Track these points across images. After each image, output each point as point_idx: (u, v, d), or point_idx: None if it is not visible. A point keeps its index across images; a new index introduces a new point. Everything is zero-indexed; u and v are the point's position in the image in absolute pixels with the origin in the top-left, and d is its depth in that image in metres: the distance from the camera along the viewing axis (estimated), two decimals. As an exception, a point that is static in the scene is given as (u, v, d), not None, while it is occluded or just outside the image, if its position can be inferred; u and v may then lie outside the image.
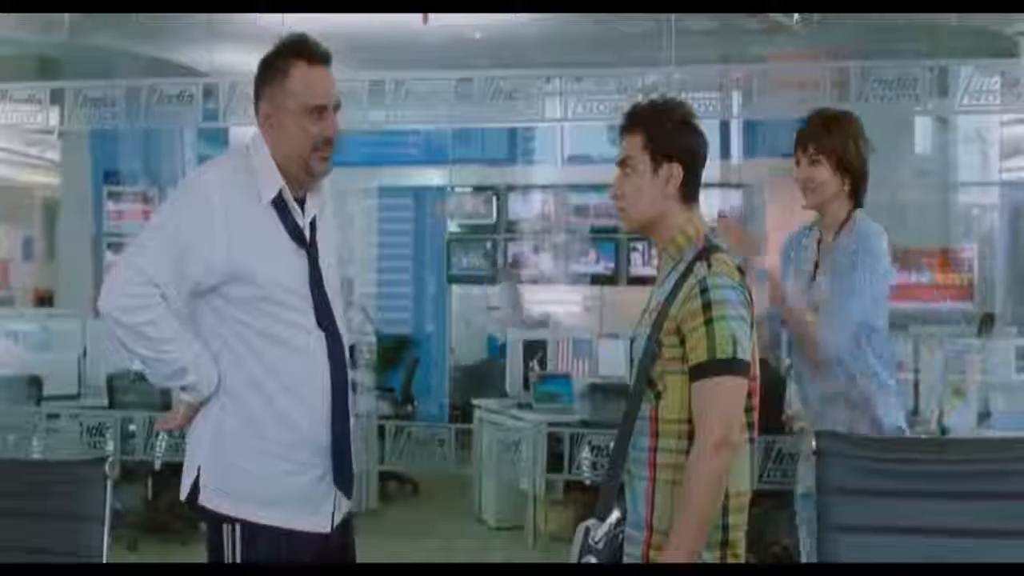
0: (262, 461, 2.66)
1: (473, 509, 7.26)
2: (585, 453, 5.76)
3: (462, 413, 7.79)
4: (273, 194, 2.68)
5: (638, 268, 10.03)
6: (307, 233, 2.75)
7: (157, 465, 6.15)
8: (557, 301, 10.27)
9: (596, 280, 10.13)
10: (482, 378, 8.02)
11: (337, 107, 2.73)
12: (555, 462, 6.01)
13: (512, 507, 6.81)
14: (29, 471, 2.82)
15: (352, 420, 2.77)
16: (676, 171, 2.65)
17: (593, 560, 2.49)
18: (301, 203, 2.75)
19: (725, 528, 2.54)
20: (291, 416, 2.67)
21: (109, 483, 2.45)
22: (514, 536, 6.68)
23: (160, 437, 5.99)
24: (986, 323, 7.44)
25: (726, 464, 2.47)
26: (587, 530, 2.52)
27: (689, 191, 2.68)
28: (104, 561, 2.40)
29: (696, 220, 2.69)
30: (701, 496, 2.45)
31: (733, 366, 2.49)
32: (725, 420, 2.47)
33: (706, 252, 2.59)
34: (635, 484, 2.61)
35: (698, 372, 2.49)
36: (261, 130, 2.75)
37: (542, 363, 7.10)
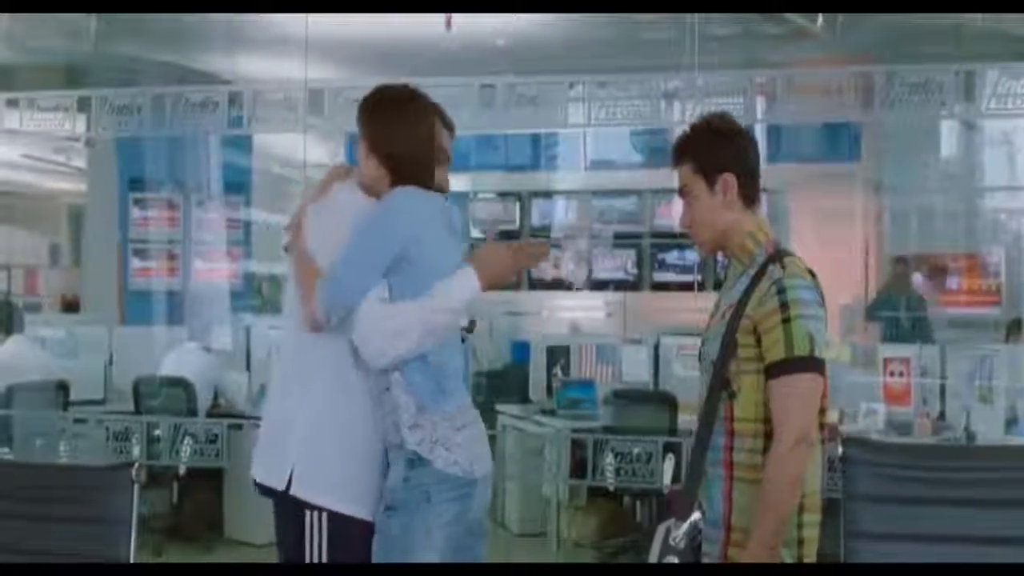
0: (354, 461, 2.74)
1: (496, 515, 7.25)
2: (608, 459, 5.75)
3: (485, 418, 7.78)
4: None
5: (661, 274, 10.02)
6: None
7: (182, 470, 6.18)
8: (580, 307, 10.26)
9: (619, 286, 10.12)
10: (505, 383, 8.00)
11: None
12: (578, 468, 6.00)
13: (535, 513, 6.80)
14: (56, 476, 2.84)
15: None
16: (730, 180, 2.68)
17: (674, 560, 2.49)
18: None
19: (800, 527, 2.54)
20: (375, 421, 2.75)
21: (136, 488, 2.46)
22: (537, 542, 6.66)
23: (185, 442, 6.02)
24: (1013, 329, 7.38)
25: (805, 461, 2.48)
26: (667, 530, 2.53)
27: (748, 193, 2.72)
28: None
29: (763, 224, 2.74)
30: (781, 494, 2.46)
31: (810, 364, 2.51)
32: (803, 417, 2.49)
33: (778, 255, 2.63)
34: (712, 483, 2.62)
35: (776, 370, 2.52)
36: None
37: (565, 369, 7.10)
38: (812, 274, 2.63)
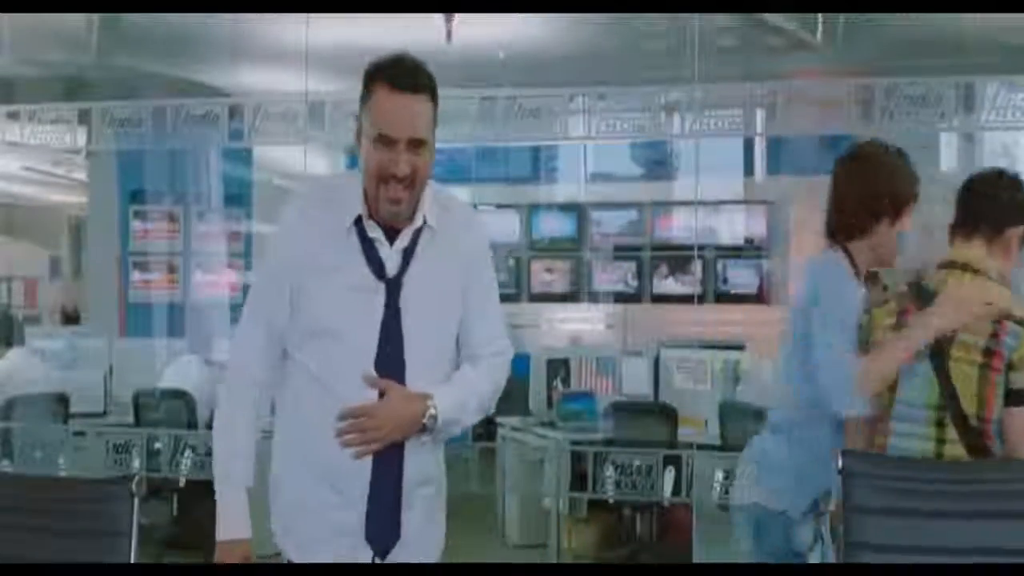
0: (303, 518, 2.50)
1: (496, 527, 7.24)
2: (609, 471, 5.75)
3: (485, 431, 7.78)
4: (350, 219, 2.44)
5: (661, 286, 10.02)
6: (393, 265, 2.45)
7: (182, 482, 6.17)
8: (580, 319, 10.26)
9: (619, 298, 10.13)
10: (505, 396, 7.99)
11: (419, 143, 2.39)
12: (579, 480, 6.00)
13: (535, 525, 6.79)
14: (56, 488, 2.83)
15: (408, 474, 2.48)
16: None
17: None
18: (395, 231, 2.46)
19: None
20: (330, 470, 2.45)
21: (136, 500, 2.46)
22: (537, 555, 6.65)
23: (185, 454, 6.02)
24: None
25: None
26: None
27: (955, 224, 2.95)
28: (130, 579, 2.41)
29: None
30: None
31: None
32: None
33: None
34: None
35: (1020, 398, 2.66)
36: None
37: (565, 381, 7.09)
38: None
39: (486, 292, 2.59)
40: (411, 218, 2.44)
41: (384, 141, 2.37)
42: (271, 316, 2.48)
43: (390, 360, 2.42)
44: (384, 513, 2.44)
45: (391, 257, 2.44)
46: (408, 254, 2.45)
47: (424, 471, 2.51)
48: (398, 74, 2.40)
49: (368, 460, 2.41)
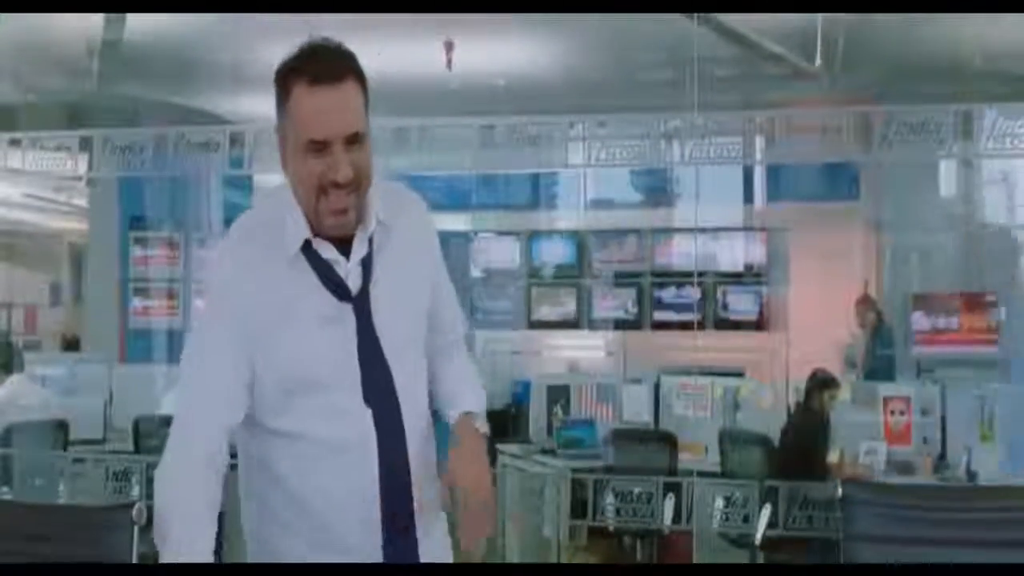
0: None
1: (496, 554, 7.22)
2: (609, 499, 5.74)
3: (485, 458, 7.76)
4: (295, 246, 2.09)
5: (661, 313, 10.03)
6: (355, 280, 2.12)
7: (181, 510, 6.14)
8: (580, 346, 10.26)
9: (619, 325, 10.13)
10: (506, 423, 7.99)
11: (355, 138, 2.03)
12: (579, 508, 5.98)
13: (535, 553, 6.76)
14: (56, 516, 2.83)
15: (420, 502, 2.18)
16: None
17: None
18: (347, 242, 2.11)
19: None
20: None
21: (136, 528, 2.46)
22: (538, 582, 6.64)
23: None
24: (1014, 368, 7.39)
25: None
26: None
27: None
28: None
29: None
30: None
31: None
32: None
33: None
34: None
35: None
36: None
37: (565, 408, 7.09)
38: None
39: (444, 273, 2.33)
40: (363, 221, 2.10)
41: (315, 147, 2.01)
42: (227, 383, 2.13)
43: (377, 386, 2.12)
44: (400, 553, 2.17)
45: (352, 272, 2.11)
46: (368, 262, 2.12)
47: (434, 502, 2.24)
48: (314, 66, 2.03)
49: (376, 517, 2.12)
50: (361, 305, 2.12)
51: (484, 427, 2.24)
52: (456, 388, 2.32)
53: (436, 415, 2.31)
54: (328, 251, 2.09)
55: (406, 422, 2.14)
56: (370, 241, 2.12)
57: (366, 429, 2.10)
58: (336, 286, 2.10)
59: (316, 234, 2.09)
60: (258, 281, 2.09)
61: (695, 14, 6.37)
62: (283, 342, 2.09)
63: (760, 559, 5.61)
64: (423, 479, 2.17)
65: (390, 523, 2.12)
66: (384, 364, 2.13)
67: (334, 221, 2.06)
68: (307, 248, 2.09)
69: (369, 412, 2.10)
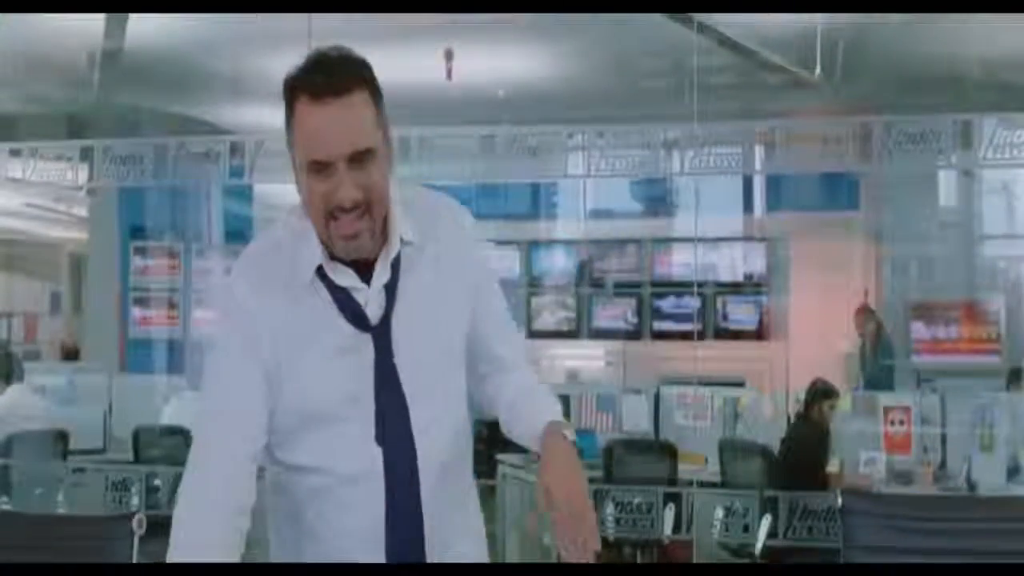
0: None
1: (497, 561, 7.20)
2: (609, 509, 5.73)
3: (486, 468, 7.76)
4: (309, 271, 1.93)
5: (661, 323, 10.03)
6: (376, 308, 1.94)
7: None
8: (580, 355, 10.26)
9: (619, 334, 10.13)
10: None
11: (363, 156, 1.86)
12: (579, 518, 5.96)
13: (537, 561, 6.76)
14: (55, 526, 2.83)
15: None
16: None
17: None
18: (370, 265, 1.93)
19: None
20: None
21: (135, 538, 2.46)
22: (538, 592, 6.63)
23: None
24: (1014, 377, 7.39)
25: None
26: None
27: None
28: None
29: None
30: None
31: None
32: None
33: None
34: None
35: None
36: None
37: (566, 418, 7.07)
38: None
39: (492, 289, 2.13)
40: (385, 243, 1.93)
41: (318, 168, 1.86)
42: (249, 411, 1.95)
43: (390, 424, 1.96)
44: None
45: (373, 299, 1.93)
46: (392, 288, 1.94)
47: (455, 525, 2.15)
48: (316, 80, 1.88)
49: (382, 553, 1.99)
50: (381, 335, 1.94)
51: (571, 434, 2.10)
52: (526, 407, 2.18)
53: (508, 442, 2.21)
54: (345, 277, 1.93)
55: (421, 462, 1.97)
56: (395, 264, 1.94)
57: (376, 468, 1.95)
58: (353, 315, 1.93)
59: (333, 257, 1.92)
60: (273, 308, 1.94)
61: (695, 23, 6.37)
62: (298, 372, 1.93)
63: (760, 569, 5.60)
64: (444, 512, 2.07)
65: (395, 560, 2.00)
66: (401, 400, 1.96)
67: (345, 246, 1.89)
68: (321, 273, 1.93)
69: (380, 450, 1.94)
